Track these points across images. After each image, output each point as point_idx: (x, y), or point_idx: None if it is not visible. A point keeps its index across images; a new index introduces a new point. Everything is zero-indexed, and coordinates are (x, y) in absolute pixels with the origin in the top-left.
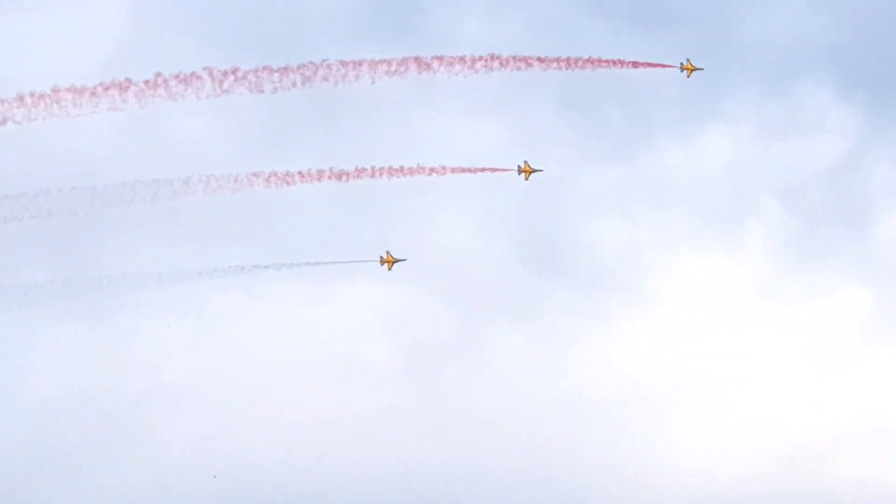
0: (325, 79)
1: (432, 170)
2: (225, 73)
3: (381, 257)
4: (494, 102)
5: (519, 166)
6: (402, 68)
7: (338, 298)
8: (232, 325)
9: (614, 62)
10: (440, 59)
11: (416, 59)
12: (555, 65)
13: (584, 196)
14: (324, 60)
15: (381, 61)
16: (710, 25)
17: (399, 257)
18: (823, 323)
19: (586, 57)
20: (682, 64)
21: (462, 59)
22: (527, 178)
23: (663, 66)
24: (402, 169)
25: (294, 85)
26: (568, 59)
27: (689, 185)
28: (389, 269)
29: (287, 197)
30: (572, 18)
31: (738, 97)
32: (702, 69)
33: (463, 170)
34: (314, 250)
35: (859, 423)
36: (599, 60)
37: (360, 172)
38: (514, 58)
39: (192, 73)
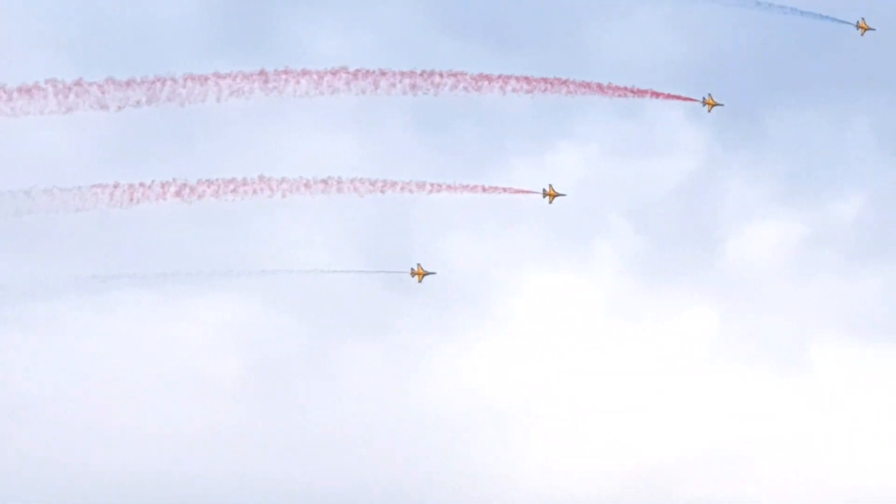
0: (173, 93)
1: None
2: (69, 86)
3: (412, 269)
4: (347, 118)
5: (544, 189)
6: (251, 83)
7: (189, 313)
8: (82, 340)
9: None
10: (289, 73)
11: (264, 73)
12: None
13: (435, 213)
14: (171, 74)
15: (230, 75)
16: (561, 43)
17: (429, 270)
18: (672, 342)
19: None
20: (703, 98)
21: (309, 72)
22: (551, 202)
23: (686, 98)
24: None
25: (139, 103)
26: (552, 81)
27: (540, 204)
28: (420, 280)
29: (138, 211)
30: (424, 34)
31: (588, 116)
32: (722, 104)
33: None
34: (164, 263)
35: (707, 441)
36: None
37: (234, 185)
38: (363, 72)
39: (35, 85)
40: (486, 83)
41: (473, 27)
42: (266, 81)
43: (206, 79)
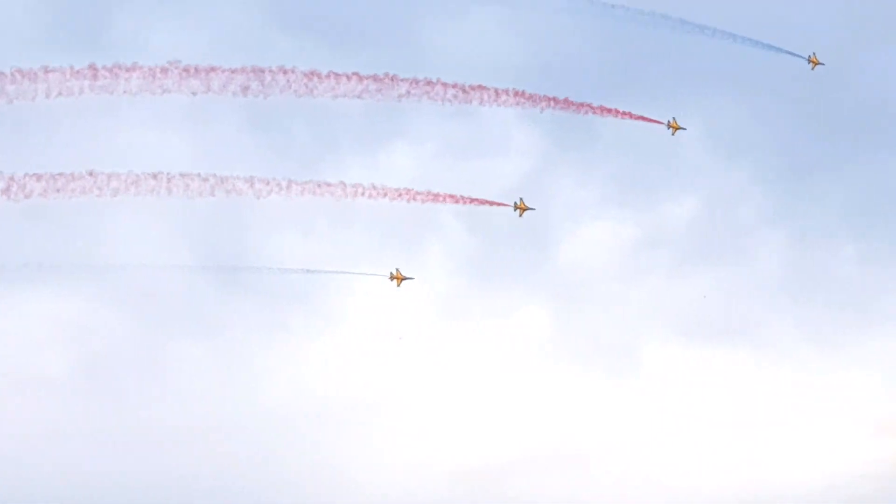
0: (1, 88)
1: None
2: None
3: (391, 273)
4: (179, 115)
5: (515, 203)
6: (81, 79)
7: (16, 308)
8: None
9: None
10: (120, 68)
11: (94, 68)
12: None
13: (267, 211)
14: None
15: (60, 70)
16: (398, 42)
17: (407, 275)
18: (504, 342)
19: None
20: (668, 122)
21: (140, 68)
22: (521, 216)
23: (651, 120)
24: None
25: None
26: (389, 78)
27: (372, 203)
28: (398, 285)
29: None
30: (260, 31)
31: (422, 115)
32: (685, 129)
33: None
34: None
35: (538, 441)
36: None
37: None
38: (194, 68)
39: None
40: (321, 81)
41: (310, 24)
42: (96, 77)
43: (35, 74)
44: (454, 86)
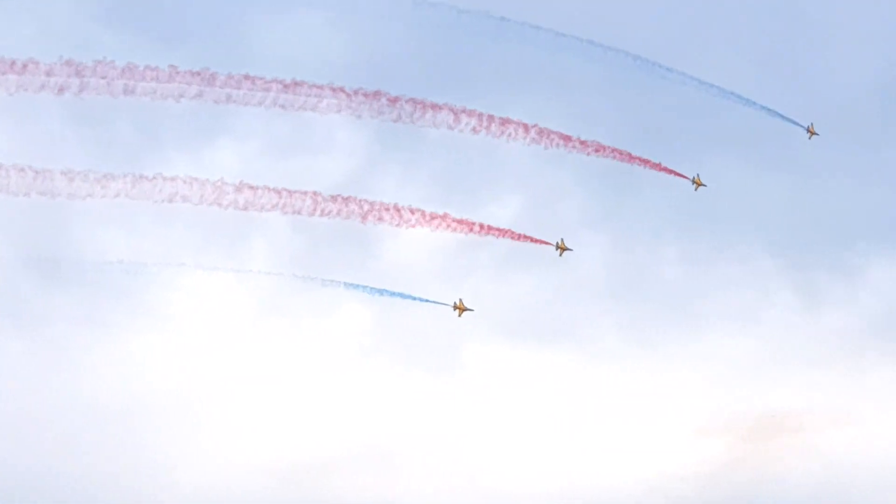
0: None
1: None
2: None
3: (454, 303)
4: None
5: (556, 243)
6: None
7: None
8: None
9: (633, 158)
10: None
11: None
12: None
13: (89, 206)
14: None
15: None
16: (225, 41)
17: (469, 307)
18: (326, 340)
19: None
20: (693, 178)
21: None
22: (561, 255)
23: (678, 175)
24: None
25: None
26: (211, 75)
27: (196, 199)
28: (459, 315)
29: None
30: (84, 24)
31: (246, 112)
32: (706, 185)
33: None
34: None
35: (359, 440)
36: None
37: None
38: (11, 62)
39: None
40: (141, 76)
41: (133, 19)
42: None
43: None
44: (278, 82)
